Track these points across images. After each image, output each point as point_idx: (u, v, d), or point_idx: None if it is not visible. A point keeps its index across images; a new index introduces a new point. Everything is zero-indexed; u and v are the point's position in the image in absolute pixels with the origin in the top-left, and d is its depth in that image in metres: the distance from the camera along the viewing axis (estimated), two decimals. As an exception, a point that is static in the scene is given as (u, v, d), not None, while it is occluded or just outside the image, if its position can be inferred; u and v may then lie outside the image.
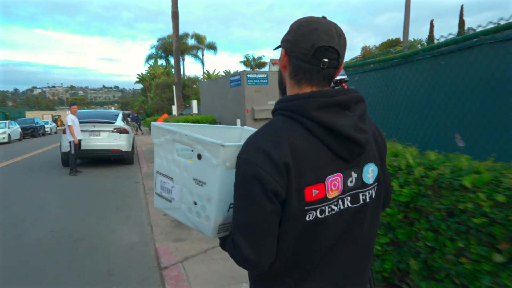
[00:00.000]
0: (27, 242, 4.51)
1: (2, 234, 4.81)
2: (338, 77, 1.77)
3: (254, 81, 11.02)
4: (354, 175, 0.98)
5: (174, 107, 22.61)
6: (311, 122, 0.92)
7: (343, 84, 1.76)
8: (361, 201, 1.01)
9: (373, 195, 1.04)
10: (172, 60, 45.40)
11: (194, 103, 17.84)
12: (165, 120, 16.45)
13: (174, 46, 19.43)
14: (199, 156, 1.08)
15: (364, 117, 1.01)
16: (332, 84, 1.16)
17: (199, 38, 45.30)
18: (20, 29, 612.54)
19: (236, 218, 0.95)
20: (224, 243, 1.09)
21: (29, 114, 51.35)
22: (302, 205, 0.91)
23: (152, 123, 1.28)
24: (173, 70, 44.49)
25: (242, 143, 0.97)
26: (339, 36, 0.96)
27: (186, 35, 44.30)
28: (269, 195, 0.88)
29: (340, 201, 0.96)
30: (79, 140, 9.41)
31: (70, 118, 9.26)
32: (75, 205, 6.39)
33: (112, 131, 10.41)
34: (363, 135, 0.96)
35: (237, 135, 1.62)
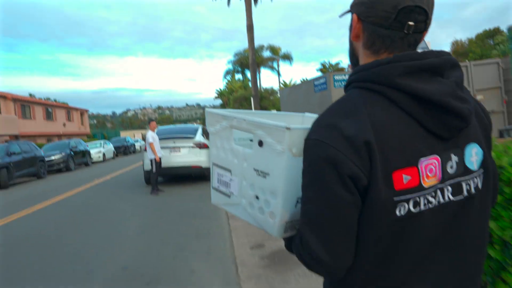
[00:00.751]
0: (96, 281, 3.82)
1: (72, 271, 4.22)
2: (419, 50, 1.32)
3: (342, 82, 9.66)
4: (454, 158, 0.77)
5: (252, 120, 22.22)
6: (397, 92, 0.74)
7: None
8: (465, 193, 0.79)
9: (479, 185, 0.81)
10: (248, 74, 46.52)
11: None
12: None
13: (250, 59, 19.18)
14: (261, 143, 0.94)
15: (462, 85, 0.79)
16: None
17: (273, 50, 45.32)
18: (116, 58, 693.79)
19: (305, 211, 0.78)
20: (291, 244, 0.90)
21: (123, 134, 56.21)
22: (391, 195, 0.71)
23: (207, 109, 1.17)
24: (250, 83, 45.86)
25: (309, 125, 0.80)
26: None
27: (261, 48, 44.69)
28: (345, 181, 0.71)
29: (439, 192, 0.76)
30: (160, 158, 9.02)
31: (150, 135, 8.93)
32: (153, 231, 5.73)
33: (192, 147, 9.90)
34: (466, 105, 0.75)
35: (298, 121, 1.45)
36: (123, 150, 29.91)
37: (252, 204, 1.00)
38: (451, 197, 0.77)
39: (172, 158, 9.82)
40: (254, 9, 24.15)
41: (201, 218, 6.34)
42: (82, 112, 42.06)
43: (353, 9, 0.85)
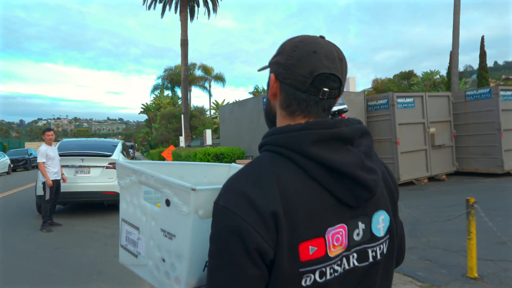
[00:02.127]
0: None
1: None
2: (336, 107, 1.55)
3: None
4: (361, 226, 0.79)
5: (181, 138, 20.39)
6: (307, 160, 0.74)
7: (343, 115, 1.59)
8: (371, 259, 0.81)
9: (385, 251, 0.84)
10: (178, 91, 44.71)
11: (208, 133, 15.25)
12: (173, 153, 13.74)
13: (182, 75, 17.92)
14: (168, 202, 0.90)
15: (371, 153, 0.82)
16: (330, 116, 0.90)
17: (206, 69, 44.30)
18: (31, 63, 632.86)
19: (210, 281, 0.72)
20: None
21: (28, 145, 49.05)
22: (297, 266, 0.70)
23: (117, 161, 1.12)
24: (179, 100, 44.12)
25: (219, 186, 0.78)
26: (340, 61, 0.80)
27: (193, 66, 43.48)
28: (251, 254, 0.68)
29: (344, 260, 0.77)
30: (56, 181, 6.64)
31: (43, 151, 6.53)
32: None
33: (107, 167, 7.67)
34: (372, 176, 0.77)
35: (223, 174, 1.38)
36: (23, 164, 25.18)
37: (158, 267, 0.96)
38: (356, 263, 0.78)
39: (78, 180, 7.47)
40: (189, 24, 23.12)
41: (112, 276, 4.27)
42: None
43: (272, 67, 0.84)
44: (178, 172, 1.26)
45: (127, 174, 1.06)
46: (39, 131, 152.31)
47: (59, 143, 8.56)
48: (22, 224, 7.01)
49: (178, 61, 19.88)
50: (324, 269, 0.73)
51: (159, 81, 45.93)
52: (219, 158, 9.06)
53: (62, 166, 7.22)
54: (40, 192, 6.82)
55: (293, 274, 0.70)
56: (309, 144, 0.73)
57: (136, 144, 40.53)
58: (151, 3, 24.90)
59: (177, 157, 12.38)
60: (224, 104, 40.42)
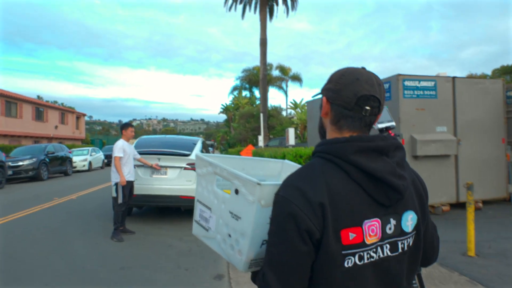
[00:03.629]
0: None
1: None
2: (385, 124, 1.73)
3: (415, 92, 6.58)
4: (393, 222, 0.96)
5: (260, 138, 19.39)
6: (349, 165, 0.92)
7: (390, 131, 1.75)
8: (400, 250, 0.98)
9: (411, 243, 1.01)
10: (256, 92, 44.44)
11: (291, 132, 13.85)
12: (254, 153, 12.67)
13: (261, 74, 17.24)
14: (236, 191, 1.10)
15: (402, 163, 1.00)
16: (378, 131, 1.18)
17: (283, 70, 43.10)
18: (128, 69, 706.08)
19: (268, 253, 0.94)
20: (255, 277, 1.08)
21: (121, 142, 52.98)
22: (340, 248, 0.88)
23: (197, 154, 1.33)
24: (257, 100, 43.87)
25: (279, 182, 0.98)
26: (379, 86, 1.00)
27: (270, 66, 42.75)
28: (302, 234, 0.88)
29: (379, 249, 0.94)
30: (129, 182, 5.88)
31: (120, 146, 5.83)
32: None
33: (185, 168, 6.76)
34: (401, 181, 0.95)
35: (277, 168, 1.58)
36: (115, 160, 26.71)
37: (225, 241, 1.15)
38: (388, 252, 0.95)
39: (155, 182, 6.69)
40: (268, 25, 22.34)
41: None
42: (79, 115, 39.12)
43: (324, 92, 1.04)
44: (240, 165, 1.41)
45: (204, 165, 1.26)
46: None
47: (137, 140, 7.96)
48: (95, 228, 6.44)
49: (255, 63, 19.28)
50: (362, 253, 0.90)
51: (238, 82, 46.15)
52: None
53: (137, 166, 6.50)
54: (114, 193, 6.13)
55: (337, 253, 0.87)
56: (351, 153, 0.92)
57: (215, 143, 41.38)
58: (231, 5, 25.06)
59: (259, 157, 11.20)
60: (301, 104, 38.56)
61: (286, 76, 43.28)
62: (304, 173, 0.94)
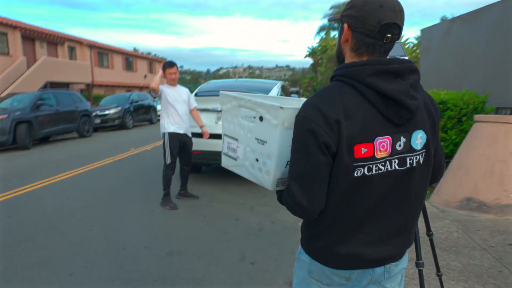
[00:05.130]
0: None
1: None
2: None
3: None
4: (403, 139, 1.03)
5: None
6: (364, 87, 0.97)
7: None
8: (408, 165, 1.05)
9: (421, 161, 1.07)
10: (347, 29, 39.68)
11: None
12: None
13: None
14: (261, 118, 1.17)
15: (416, 86, 1.03)
16: None
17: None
18: (214, 18, 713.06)
19: (292, 168, 1.04)
20: (281, 197, 1.15)
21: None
22: (352, 160, 0.97)
23: (221, 91, 1.39)
24: None
25: (299, 106, 1.05)
26: (400, 12, 1.01)
27: None
28: (321, 147, 0.96)
29: (387, 163, 1.01)
30: (177, 136, 4.59)
31: (164, 89, 4.57)
32: None
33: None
34: (413, 101, 1.00)
35: (295, 104, 1.57)
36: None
37: (253, 165, 1.24)
38: (397, 167, 1.03)
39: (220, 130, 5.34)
40: None
41: None
42: (152, 61, 40.04)
43: (344, 19, 1.05)
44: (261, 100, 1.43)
45: (229, 101, 1.33)
46: (220, 78, 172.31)
47: (202, 84, 6.66)
48: (157, 190, 5.46)
49: None
50: (371, 165, 0.99)
51: (325, 21, 42.12)
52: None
53: (201, 110, 5.18)
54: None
55: (349, 165, 0.97)
56: (368, 75, 0.97)
57: (301, 90, 39.56)
58: None
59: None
60: (401, 41, 33.26)
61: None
62: (322, 94, 1.01)
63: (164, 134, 4.55)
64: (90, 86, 23.96)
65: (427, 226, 1.73)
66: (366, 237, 1.04)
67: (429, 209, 4.16)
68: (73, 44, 24.56)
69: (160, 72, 4.54)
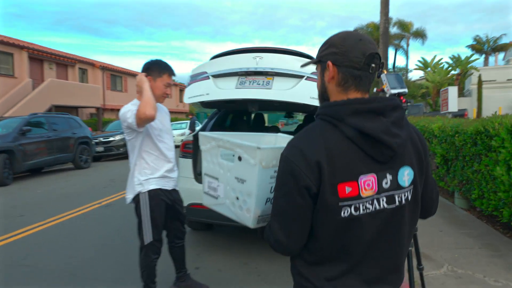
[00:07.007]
0: None
1: None
2: (398, 90, 1.79)
3: None
4: (389, 177, 1.02)
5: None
6: (346, 126, 0.99)
7: (401, 98, 1.82)
8: (397, 202, 1.05)
9: (409, 198, 1.08)
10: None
11: (453, 92, 9.10)
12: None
13: (381, 28, 14.12)
14: (240, 158, 1.23)
15: (399, 122, 1.04)
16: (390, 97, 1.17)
17: (403, 25, 35.47)
18: (233, 44, 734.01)
19: (274, 205, 1.07)
20: (262, 233, 1.18)
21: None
22: (337, 200, 0.97)
23: (200, 132, 1.48)
24: None
25: (276, 146, 1.21)
26: (375, 44, 1.07)
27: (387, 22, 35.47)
28: (300, 190, 0.98)
29: (375, 201, 1.01)
30: (160, 193, 2.77)
31: (123, 111, 2.74)
32: None
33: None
34: (395, 139, 1.01)
35: (272, 141, 1.71)
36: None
37: (234, 203, 1.30)
38: (385, 205, 1.02)
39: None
40: None
41: None
42: (182, 88, 38.97)
43: (325, 58, 1.08)
44: (239, 139, 1.46)
45: (208, 141, 1.40)
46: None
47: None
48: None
49: (364, 22, 14.53)
50: (357, 205, 0.98)
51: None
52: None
53: (215, 77, 3.21)
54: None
55: (334, 205, 0.96)
56: (348, 114, 0.99)
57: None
58: None
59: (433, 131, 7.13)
60: (434, 62, 30.89)
61: (407, 32, 35.94)
62: (304, 135, 1.03)
63: (138, 195, 2.53)
64: (100, 110, 22.57)
65: (418, 259, 1.96)
66: (359, 277, 1.03)
67: None
68: (85, 66, 23.48)
69: (147, 81, 2.52)
